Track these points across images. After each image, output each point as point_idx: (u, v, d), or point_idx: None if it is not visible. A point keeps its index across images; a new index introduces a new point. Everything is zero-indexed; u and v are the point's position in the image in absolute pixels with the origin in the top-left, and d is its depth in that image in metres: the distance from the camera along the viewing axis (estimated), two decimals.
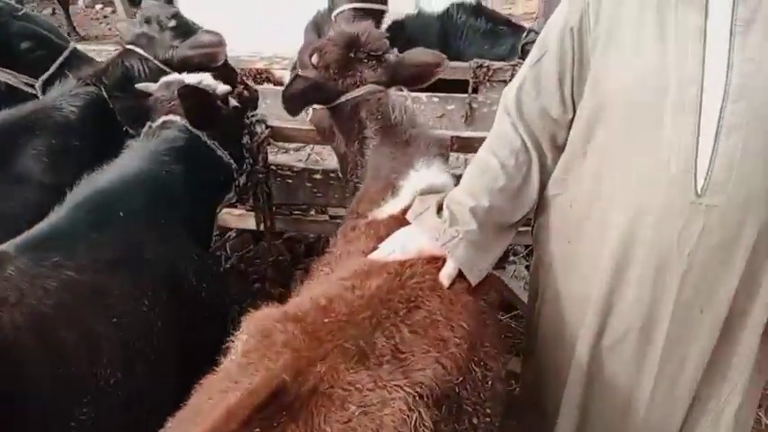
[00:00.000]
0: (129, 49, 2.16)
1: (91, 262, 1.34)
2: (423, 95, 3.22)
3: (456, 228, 1.46)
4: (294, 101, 1.95)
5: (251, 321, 1.26)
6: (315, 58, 1.97)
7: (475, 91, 3.12)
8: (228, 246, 3.07)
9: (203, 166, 1.97)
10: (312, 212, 2.81)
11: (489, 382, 1.46)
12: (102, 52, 2.92)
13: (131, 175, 1.65)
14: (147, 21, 2.19)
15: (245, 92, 2.40)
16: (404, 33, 3.44)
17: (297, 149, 2.86)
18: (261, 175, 2.39)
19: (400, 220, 1.59)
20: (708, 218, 1.26)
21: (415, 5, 3.44)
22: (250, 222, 2.72)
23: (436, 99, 3.20)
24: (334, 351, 1.16)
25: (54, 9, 7.88)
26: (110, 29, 8.02)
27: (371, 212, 1.72)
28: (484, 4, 3.70)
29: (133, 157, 1.76)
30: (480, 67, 3.05)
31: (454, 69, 3.02)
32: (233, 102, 2.15)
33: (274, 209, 2.65)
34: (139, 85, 2.05)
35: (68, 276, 1.27)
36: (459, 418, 1.30)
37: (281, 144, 2.67)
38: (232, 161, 2.11)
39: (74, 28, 7.58)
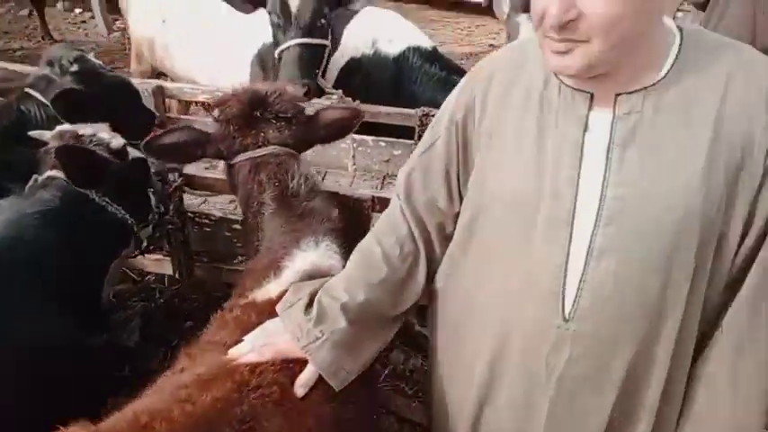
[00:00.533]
0: (27, 93, 2.03)
1: None
2: (369, 139, 3.13)
3: (321, 328, 1.33)
4: (161, 153, 1.83)
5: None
6: (216, 112, 1.86)
7: (420, 138, 3.01)
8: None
9: (89, 227, 1.84)
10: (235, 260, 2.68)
11: None
12: None
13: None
14: (50, 63, 2.06)
15: None
16: (360, 73, 3.35)
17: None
18: (170, 226, 2.26)
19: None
20: (574, 345, 1.15)
21: (372, 44, 3.33)
22: (167, 268, 2.59)
23: (383, 143, 3.11)
24: None
25: (30, 11, 7.74)
26: (86, 34, 7.90)
27: (252, 292, 1.59)
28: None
29: None
30: (426, 115, 2.95)
31: (402, 116, 2.95)
32: (134, 153, 2.02)
33: (194, 255, 2.52)
34: (33, 133, 1.92)
35: None
36: None
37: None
38: (128, 216, 1.99)
39: (48, 31, 7.45)
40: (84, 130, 1.90)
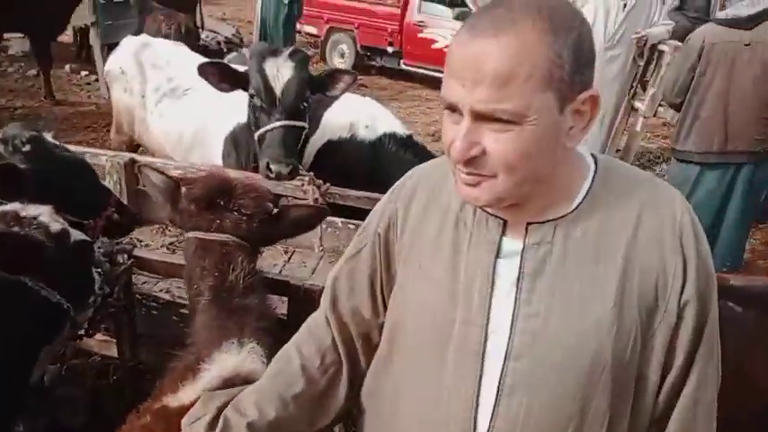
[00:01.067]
0: None
1: None
2: (338, 220, 3.12)
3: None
4: None
5: None
6: (183, 189, 1.87)
7: None
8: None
9: (16, 314, 1.77)
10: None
11: None
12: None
13: None
14: (4, 141, 2.07)
15: (115, 215, 2.26)
16: (336, 156, 3.40)
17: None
18: (113, 309, 2.19)
19: None
20: None
21: (349, 129, 3.38)
22: (113, 350, 2.49)
23: (351, 226, 3.08)
24: None
25: (38, 71, 7.99)
26: (89, 96, 8.12)
27: (167, 396, 1.51)
28: None
29: None
30: None
31: (370, 200, 2.95)
32: (77, 235, 1.98)
33: (140, 339, 2.43)
34: None
35: None
36: None
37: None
38: (64, 301, 1.92)
39: (50, 91, 7.67)
40: (27, 211, 1.86)
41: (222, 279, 1.73)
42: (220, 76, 2.94)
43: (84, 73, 8.68)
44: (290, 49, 3.04)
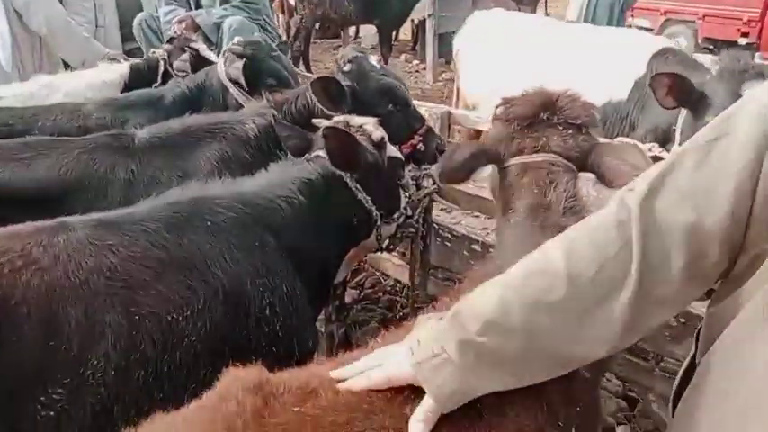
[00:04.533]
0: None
1: (144, 257, 1.39)
2: None
3: (442, 344, 1.01)
4: (454, 173, 1.75)
5: (226, 376, 1.13)
6: (500, 110, 1.75)
7: None
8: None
9: (336, 205, 1.93)
10: None
11: None
12: None
13: (243, 193, 1.70)
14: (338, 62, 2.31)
15: (421, 145, 2.30)
16: None
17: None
18: (412, 230, 2.24)
19: None
20: None
21: None
22: (405, 275, 2.59)
23: None
24: None
25: (379, 60, 9.15)
26: (415, 81, 8.94)
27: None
28: None
29: (259, 178, 1.81)
30: None
31: None
32: (393, 151, 2.06)
33: (430, 270, 2.46)
34: (315, 121, 2.13)
35: (110, 262, 1.34)
36: None
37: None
38: (374, 207, 2.02)
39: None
40: (354, 120, 2.02)
41: (540, 197, 1.53)
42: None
43: (415, 62, 9.63)
44: None
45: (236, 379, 1.10)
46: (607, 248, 0.97)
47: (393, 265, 2.67)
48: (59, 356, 1.22)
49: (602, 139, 1.71)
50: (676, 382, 1.13)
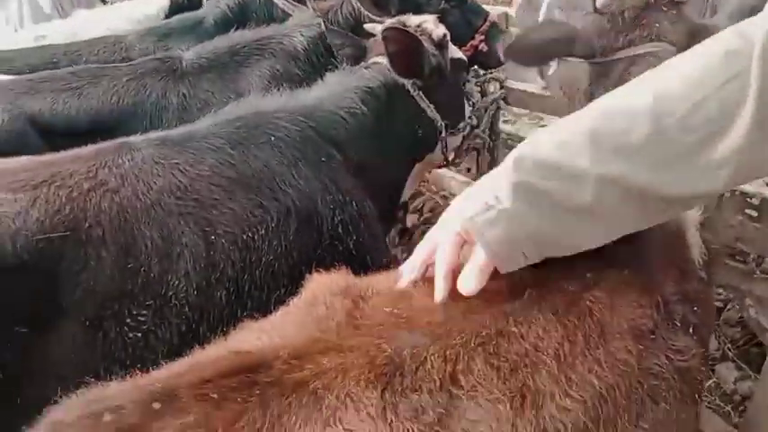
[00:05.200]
0: None
1: (212, 174, 1.32)
2: None
3: (497, 193, 0.88)
4: (525, 53, 1.59)
5: (311, 281, 1.07)
6: (603, 2, 1.55)
7: None
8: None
9: (399, 115, 1.80)
10: None
11: None
12: None
13: (303, 106, 1.58)
14: None
15: (483, 45, 2.11)
16: None
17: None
18: (479, 140, 2.10)
19: None
20: None
21: None
22: None
23: None
24: (362, 348, 0.88)
25: None
26: None
27: None
28: None
29: (316, 89, 1.70)
30: None
31: None
32: (455, 52, 1.90)
33: None
34: (367, 26, 1.98)
35: (178, 181, 1.27)
36: None
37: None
38: (438, 117, 1.89)
39: None
40: (411, 20, 1.86)
41: None
42: None
43: None
44: None
45: (322, 284, 1.04)
46: (713, 79, 0.81)
47: (458, 183, 2.54)
48: (140, 278, 1.19)
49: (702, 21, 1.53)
50: None
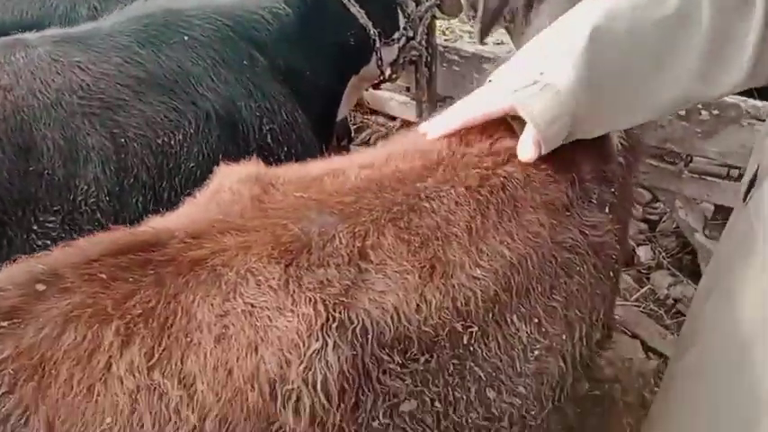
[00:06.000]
0: None
1: (117, 74, 1.24)
2: None
3: (541, 69, 0.91)
4: None
5: (219, 172, 1.03)
6: None
7: None
8: None
9: (327, 19, 1.72)
10: None
11: (537, 352, 0.97)
12: None
13: (218, 5, 1.48)
14: None
15: None
16: None
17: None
18: (415, 53, 2.04)
19: None
20: None
21: None
22: (412, 113, 2.43)
23: None
24: (267, 229, 0.86)
25: None
26: None
27: None
28: None
29: None
30: None
31: None
32: None
33: (438, 102, 2.29)
34: None
35: (80, 80, 1.18)
36: (453, 377, 0.88)
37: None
38: (370, 24, 1.82)
39: None
40: None
41: None
42: None
43: None
44: None
45: (230, 173, 1.00)
46: None
47: (398, 104, 2.50)
48: (44, 182, 1.12)
49: None
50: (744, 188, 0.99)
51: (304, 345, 0.76)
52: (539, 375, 0.99)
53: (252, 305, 0.78)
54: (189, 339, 0.76)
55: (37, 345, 0.72)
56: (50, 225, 1.13)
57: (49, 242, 1.13)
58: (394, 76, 2.11)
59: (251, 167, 1.01)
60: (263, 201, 0.92)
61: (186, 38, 1.38)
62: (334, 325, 0.78)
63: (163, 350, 0.74)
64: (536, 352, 0.97)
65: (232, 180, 0.97)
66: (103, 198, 1.17)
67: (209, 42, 1.40)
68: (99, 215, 1.17)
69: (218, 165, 1.40)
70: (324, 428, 0.78)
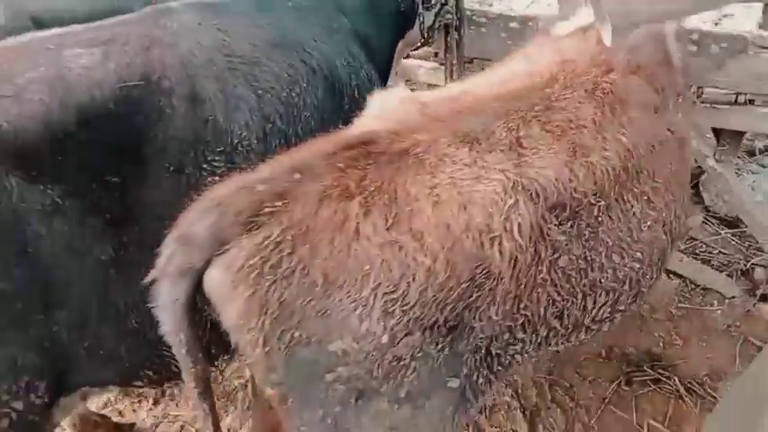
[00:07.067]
0: None
1: (247, 35, 1.42)
2: None
3: None
4: None
5: (378, 97, 1.25)
6: None
7: None
8: None
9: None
10: None
11: (648, 224, 1.22)
12: None
13: None
14: None
15: None
16: None
17: None
18: (449, 16, 2.26)
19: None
20: None
21: None
22: (440, 78, 2.65)
23: None
24: (442, 128, 1.07)
25: None
26: None
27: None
28: None
29: None
30: None
31: None
32: None
33: (465, 64, 2.52)
34: None
35: (222, 40, 1.37)
36: (589, 242, 1.12)
37: None
38: None
39: None
40: None
41: None
42: None
43: None
44: None
45: (386, 95, 1.23)
46: None
47: (426, 71, 2.72)
48: (209, 126, 1.30)
49: None
50: None
51: (502, 201, 0.98)
52: (650, 244, 1.24)
53: (453, 178, 0.99)
54: (410, 208, 0.97)
55: (304, 218, 0.92)
56: (216, 164, 1.31)
57: (217, 179, 1.31)
58: (431, 40, 2.34)
59: (403, 91, 1.23)
60: (426, 113, 1.14)
61: (290, 3, 1.57)
62: (519, 187, 1.01)
63: (395, 216, 0.96)
64: (648, 222, 1.22)
65: (392, 100, 1.19)
66: (253, 141, 1.36)
67: (310, 8, 1.59)
68: (253, 156, 1.36)
69: (324, 116, 1.62)
70: (516, 266, 1.00)
